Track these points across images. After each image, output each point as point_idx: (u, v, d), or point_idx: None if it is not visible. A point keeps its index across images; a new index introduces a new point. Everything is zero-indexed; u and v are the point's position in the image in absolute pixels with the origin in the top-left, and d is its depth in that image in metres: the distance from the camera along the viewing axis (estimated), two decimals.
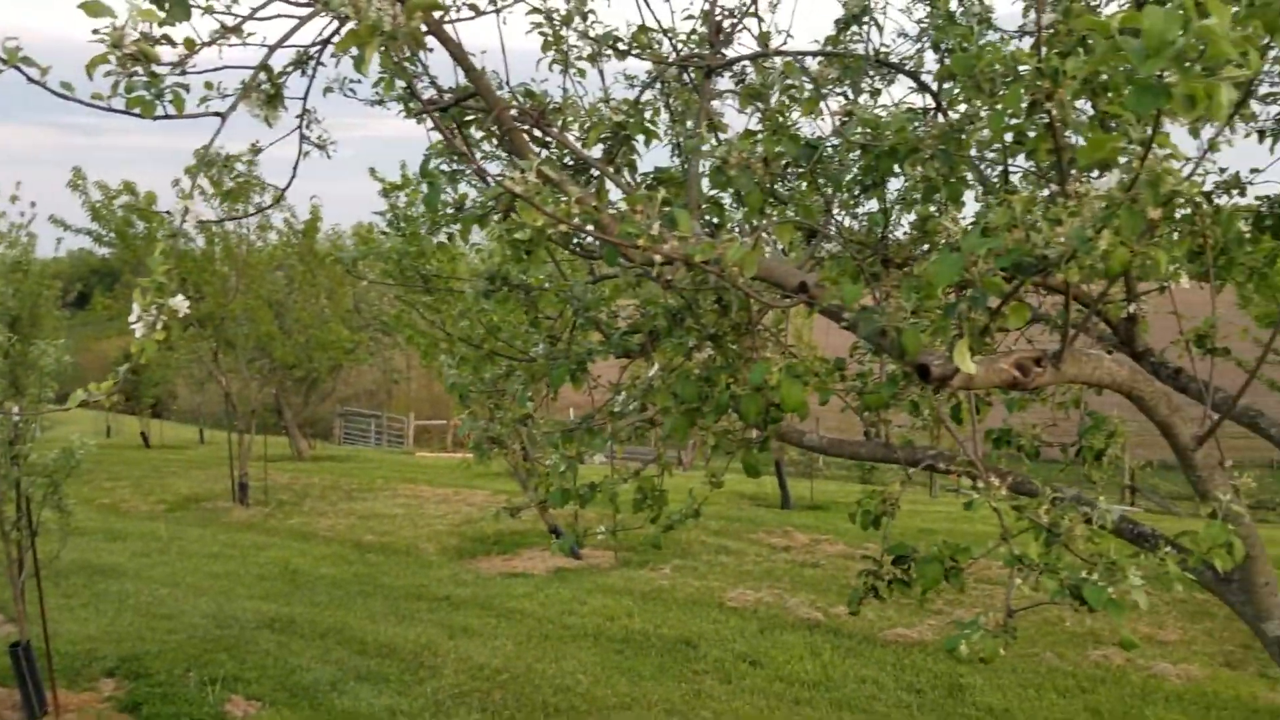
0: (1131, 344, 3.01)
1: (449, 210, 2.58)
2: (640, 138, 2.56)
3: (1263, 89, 3.47)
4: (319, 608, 9.19)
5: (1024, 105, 1.83)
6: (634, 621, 8.84)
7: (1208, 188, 3.30)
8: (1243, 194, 3.45)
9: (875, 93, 2.93)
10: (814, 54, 2.56)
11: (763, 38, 2.55)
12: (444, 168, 2.77)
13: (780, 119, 2.42)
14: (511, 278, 3.91)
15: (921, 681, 7.50)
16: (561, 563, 11.44)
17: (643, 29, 2.55)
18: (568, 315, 3.49)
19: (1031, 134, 1.93)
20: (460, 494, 16.54)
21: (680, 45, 2.63)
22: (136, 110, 2.00)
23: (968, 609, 9.57)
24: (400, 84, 2.55)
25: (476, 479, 18.70)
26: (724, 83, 2.71)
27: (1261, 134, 3.49)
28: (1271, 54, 2.74)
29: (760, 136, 2.35)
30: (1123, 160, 1.60)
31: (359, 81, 2.91)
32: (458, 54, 2.34)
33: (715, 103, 2.67)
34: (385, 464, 21.98)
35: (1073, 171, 1.95)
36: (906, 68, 2.80)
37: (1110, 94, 1.50)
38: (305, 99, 2.86)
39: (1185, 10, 1.16)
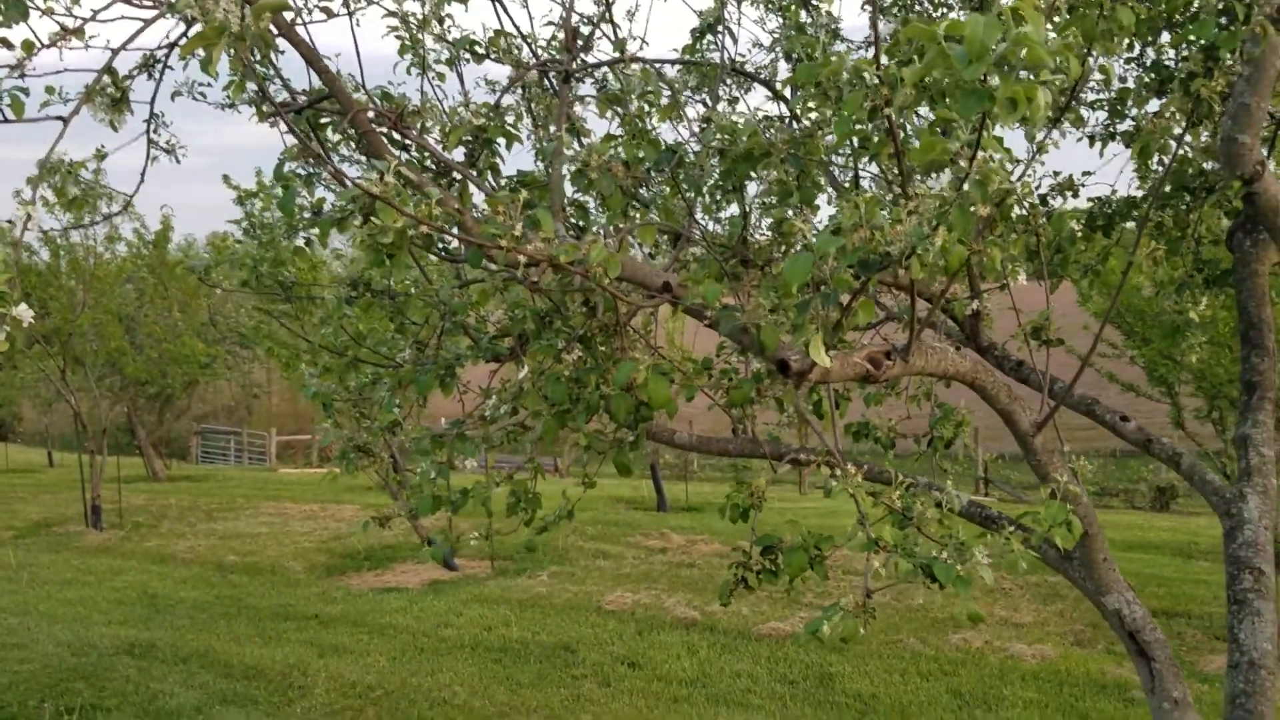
0: (976, 339, 3.17)
1: (306, 215, 2.55)
2: (501, 141, 2.58)
3: (1090, 96, 3.71)
4: (180, 631, 8.86)
5: (865, 111, 1.93)
6: (511, 630, 8.80)
7: (1042, 190, 3.50)
8: (1075, 195, 3.67)
9: (733, 100, 3.02)
10: (673, 62, 2.63)
11: (619, 44, 2.60)
12: (300, 171, 2.74)
13: (640, 124, 2.48)
14: (375, 284, 3.88)
15: (794, 673, 7.69)
16: (437, 575, 11.30)
17: (500, 33, 2.57)
18: (434, 321, 3.47)
19: (875, 139, 2.03)
20: (328, 509, 16.15)
21: (540, 50, 2.66)
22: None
23: (834, 600, 9.85)
24: (251, 87, 2.51)
25: (344, 493, 18.30)
26: (585, 89, 2.75)
27: (1092, 139, 3.72)
28: (1097, 62, 2.94)
29: (620, 141, 2.40)
30: (957, 162, 1.70)
31: (209, 85, 2.84)
32: (309, 56, 2.33)
33: (576, 108, 2.71)
34: (246, 482, 21.30)
35: (915, 174, 2.05)
36: (761, 76, 2.89)
37: (944, 98, 1.59)
38: (152, 103, 2.79)
39: (1004, 19, 1.25)
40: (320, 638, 8.69)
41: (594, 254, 2.07)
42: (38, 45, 2.14)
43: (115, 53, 2.14)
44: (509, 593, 10.26)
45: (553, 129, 2.63)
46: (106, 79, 2.24)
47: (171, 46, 2.56)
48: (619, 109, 2.53)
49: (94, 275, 14.06)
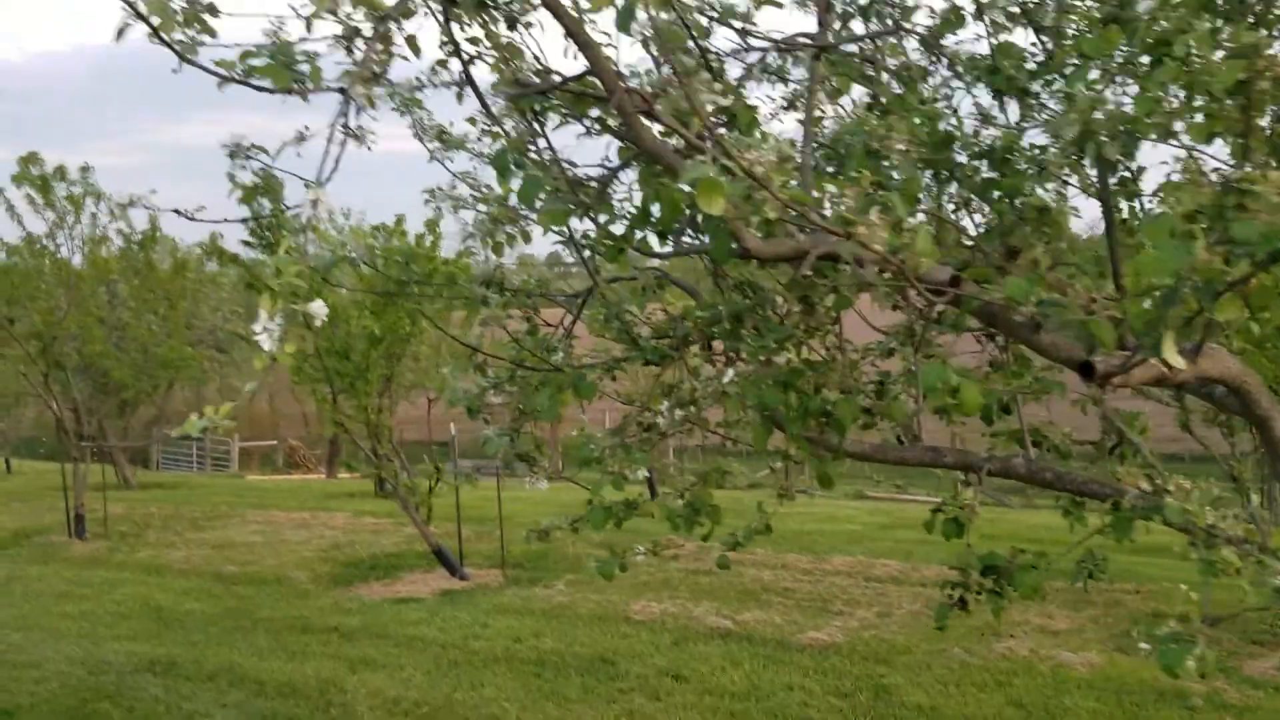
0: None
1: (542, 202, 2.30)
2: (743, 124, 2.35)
3: None
4: (197, 646, 8.48)
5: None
6: (544, 641, 8.53)
7: None
8: None
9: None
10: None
11: (902, 11, 2.39)
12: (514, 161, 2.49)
13: (908, 102, 2.27)
14: (506, 281, 3.64)
15: (846, 685, 7.51)
16: (448, 585, 10.99)
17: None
18: (598, 321, 3.24)
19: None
20: (318, 517, 15.74)
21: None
22: (265, 81, 1.67)
23: (865, 608, 9.71)
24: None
25: (332, 501, 17.90)
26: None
27: None
28: None
29: (889, 119, 2.18)
30: None
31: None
32: (574, 28, 2.08)
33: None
34: (221, 489, 20.72)
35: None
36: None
37: None
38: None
39: None
40: (346, 651, 8.36)
41: (920, 243, 1.85)
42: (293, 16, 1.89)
43: (384, 19, 1.89)
44: (529, 603, 9.98)
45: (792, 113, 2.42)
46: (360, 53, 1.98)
47: (384, 18, 2.30)
48: (871, 88, 2.32)
49: (79, 276, 13.56)
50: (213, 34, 1.91)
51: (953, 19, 2.40)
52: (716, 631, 8.81)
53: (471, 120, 2.98)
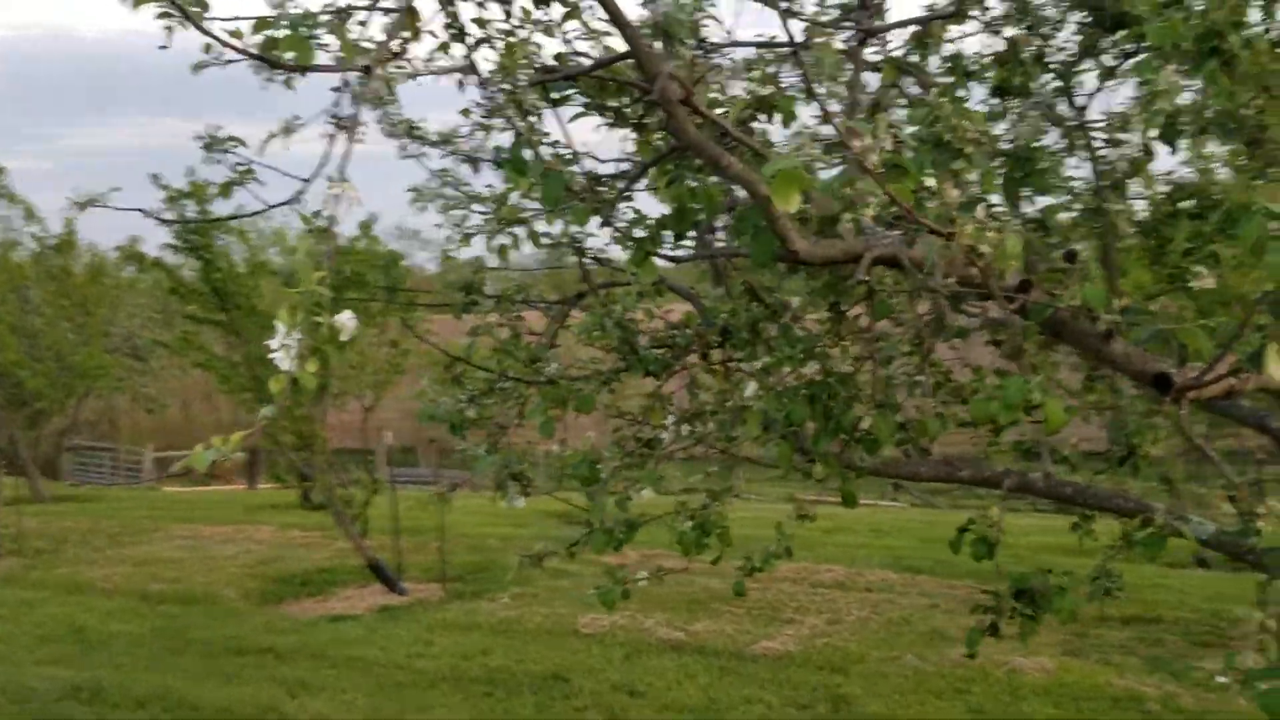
0: None
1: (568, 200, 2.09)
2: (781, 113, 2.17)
3: None
4: (125, 670, 8.03)
5: None
6: (492, 659, 8.26)
7: None
8: None
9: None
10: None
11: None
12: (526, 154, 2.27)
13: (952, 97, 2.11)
14: (485, 288, 3.43)
15: (804, 696, 7.39)
16: (385, 600, 10.64)
17: None
18: (593, 330, 3.02)
19: None
20: (243, 531, 15.17)
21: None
22: (290, 55, 1.43)
23: (815, 615, 9.61)
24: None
25: (258, 513, 17.30)
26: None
27: None
28: None
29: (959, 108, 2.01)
30: None
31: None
32: (614, 10, 1.88)
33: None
34: (139, 502, 19.90)
35: None
36: None
37: None
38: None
39: None
40: (284, 674, 7.99)
41: (1010, 245, 1.69)
42: None
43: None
44: (473, 617, 9.69)
45: (832, 102, 2.25)
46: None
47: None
48: (916, 77, 2.16)
49: None
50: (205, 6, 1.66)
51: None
52: (669, 644, 8.63)
53: (465, 111, 2.76)
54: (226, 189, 2.38)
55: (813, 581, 11.07)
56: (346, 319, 1.50)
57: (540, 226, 2.58)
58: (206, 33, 1.53)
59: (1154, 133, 1.96)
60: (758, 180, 1.90)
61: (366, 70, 1.60)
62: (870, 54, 2.33)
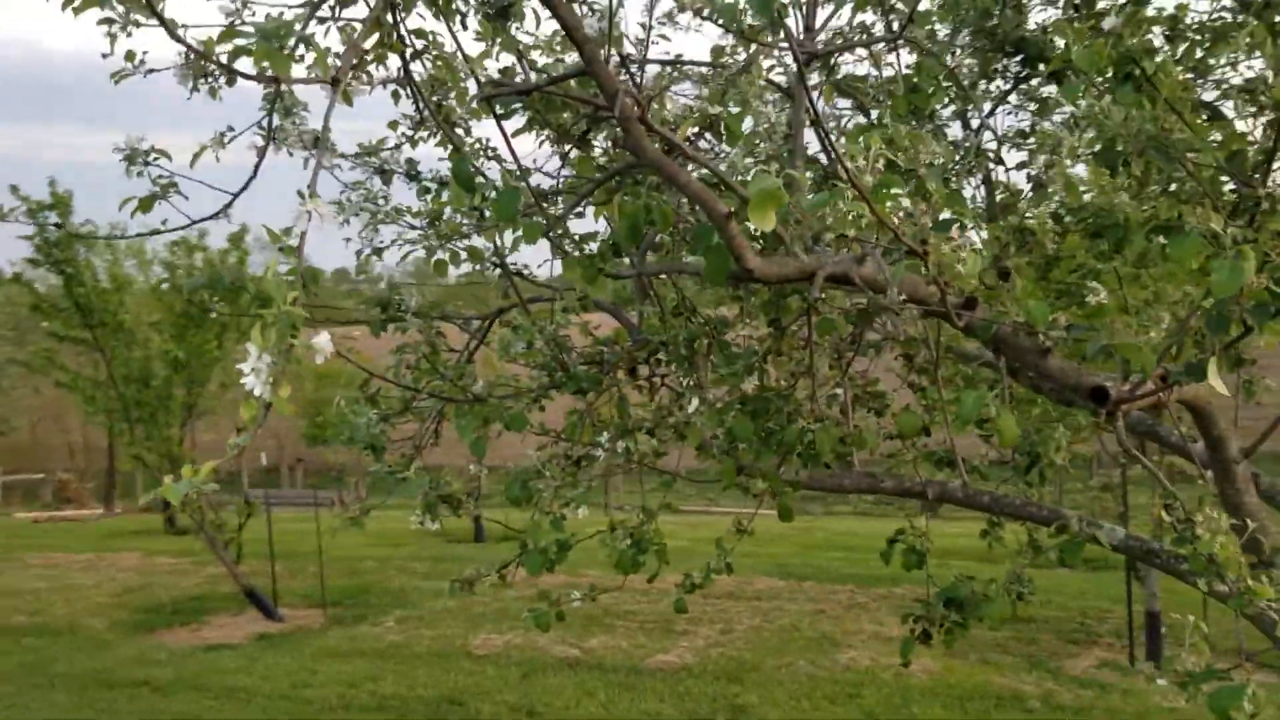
0: None
1: (523, 212, 2.04)
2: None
3: None
4: None
5: None
6: (382, 685, 8.04)
7: None
8: None
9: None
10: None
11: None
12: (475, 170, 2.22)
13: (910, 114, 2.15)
14: (402, 305, 3.34)
15: (702, 707, 7.42)
16: (262, 628, 10.26)
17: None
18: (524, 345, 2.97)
19: None
20: (105, 558, 14.45)
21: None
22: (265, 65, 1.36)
23: (708, 625, 9.67)
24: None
25: (116, 539, 16.52)
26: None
27: None
28: None
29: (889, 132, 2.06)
30: None
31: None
32: (570, 23, 1.86)
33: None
34: None
35: None
36: None
37: None
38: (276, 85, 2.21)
39: None
40: (160, 707, 7.62)
41: (970, 266, 1.73)
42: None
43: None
44: (358, 643, 9.42)
45: (780, 118, 2.26)
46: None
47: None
48: (858, 98, 2.20)
49: None
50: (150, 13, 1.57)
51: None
52: (565, 661, 8.55)
53: (393, 124, 2.69)
54: (148, 203, 2.26)
55: (703, 592, 11.11)
56: (323, 341, 1.42)
57: (473, 242, 2.53)
58: (180, 39, 1.45)
59: (1066, 164, 2.05)
60: (714, 198, 1.91)
61: (335, 82, 1.54)
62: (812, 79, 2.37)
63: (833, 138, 2.08)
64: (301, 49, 1.48)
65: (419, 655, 8.88)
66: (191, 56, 2.11)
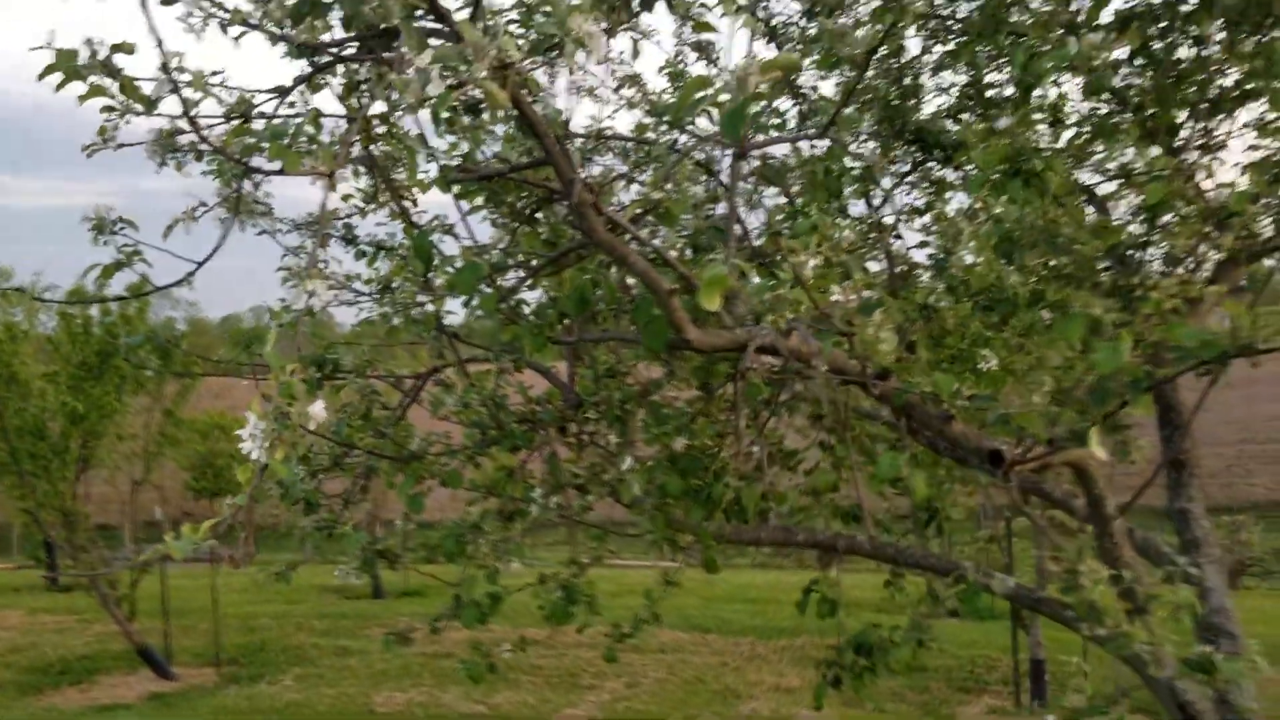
0: None
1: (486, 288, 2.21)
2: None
3: None
4: None
5: None
6: None
7: None
8: None
9: None
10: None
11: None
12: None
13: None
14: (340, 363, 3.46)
15: None
16: (155, 687, 9.99)
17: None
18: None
19: None
20: None
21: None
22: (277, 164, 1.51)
23: (614, 679, 9.74)
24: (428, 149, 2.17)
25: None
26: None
27: None
28: None
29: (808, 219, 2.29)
30: None
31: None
32: (534, 118, 2.06)
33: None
34: None
35: None
36: None
37: None
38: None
39: None
40: None
41: (887, 344, 1.96)
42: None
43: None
44: (256, 702, 9.24)
45: (717, 207, 2.48)
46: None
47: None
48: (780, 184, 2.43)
49: None
50: (151, 107, 1.72)
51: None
52: (471, 718, 8.54)
53: (347, 197, 2.83)
54: (110, 271, 2.36)
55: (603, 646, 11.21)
56: (317, 410, 1.56)
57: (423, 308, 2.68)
58: (197, 129, 1.58)
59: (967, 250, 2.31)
60: (658, 276, 2.11)
61: (330, 175, 1.70)
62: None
63: (776, 229, 2.31)
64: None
65: (319, 714, 8.76)
66: (161, 133, 2.25)
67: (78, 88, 1.74)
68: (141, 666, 10.39)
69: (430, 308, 2.63)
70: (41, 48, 1.70)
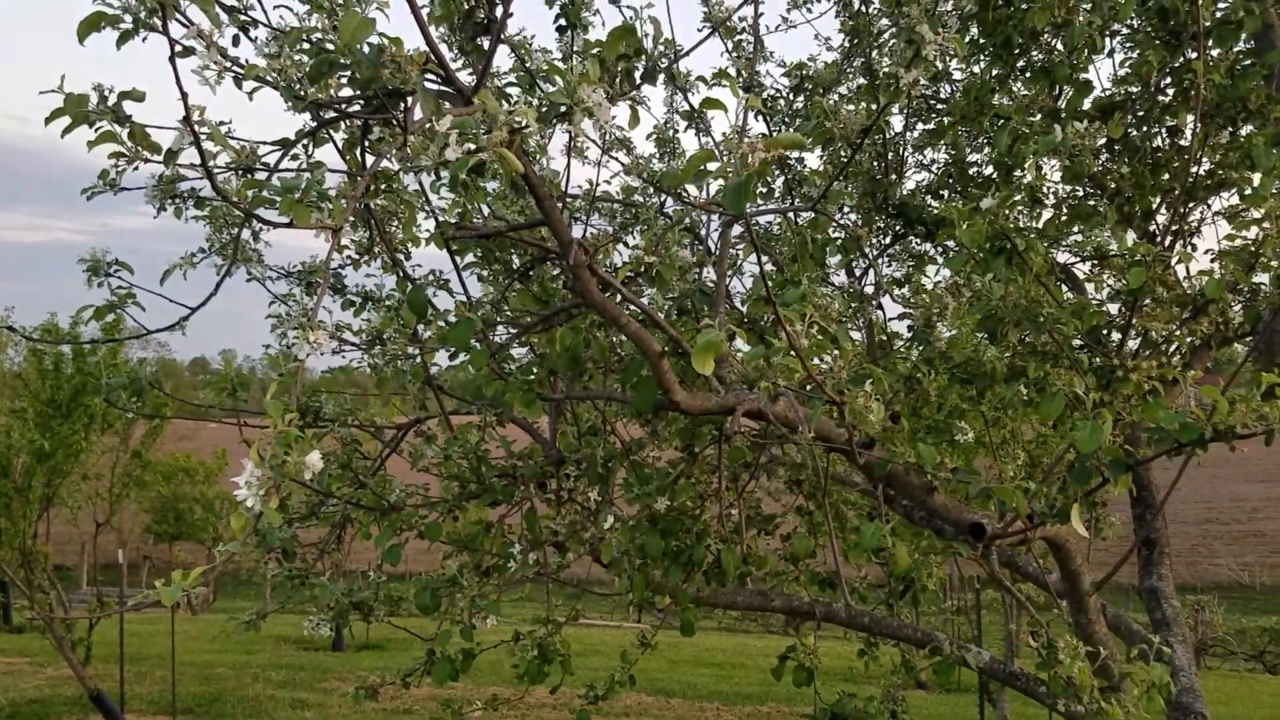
0: None
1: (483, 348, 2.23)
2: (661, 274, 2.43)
3: None
4: None
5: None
6: None
7: None
8: None
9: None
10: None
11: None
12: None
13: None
14: (324, 411, 3.46)
15: None
16: None
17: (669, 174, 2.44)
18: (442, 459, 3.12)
19: None
20: None
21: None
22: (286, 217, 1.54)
23: None
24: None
25: None
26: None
27: None
28: None
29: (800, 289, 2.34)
30: None
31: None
32: (533, 180, 2.10)
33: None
34: None
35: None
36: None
37: None
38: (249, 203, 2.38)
39: None
40: None
41: (876, 414, 2.00)
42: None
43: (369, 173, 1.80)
44: None
45: (706, 271, 2.52)
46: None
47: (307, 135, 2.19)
48: (768, 252, 2.47)
49: None
50: (172, 159, 1.74)
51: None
52: None
53: (341, 248, 2.85)
54: (103, 312, 2.37)
55: (570, 708, 11.05)
56: (314, 459, 1.57)
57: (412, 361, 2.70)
58: (213, 182, 1.61)
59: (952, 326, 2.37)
60: (650, 338, 2.14)
61: (337, 230, 1.72)
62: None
63: (763, 295, 2.35)
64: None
65: None
66: (162, 179, 2.28)
67: (63, 124, 1.76)
68: (94, 713, 10.13)
69: (418, 359, 2.65)
70: (51, 91, 1.73)
